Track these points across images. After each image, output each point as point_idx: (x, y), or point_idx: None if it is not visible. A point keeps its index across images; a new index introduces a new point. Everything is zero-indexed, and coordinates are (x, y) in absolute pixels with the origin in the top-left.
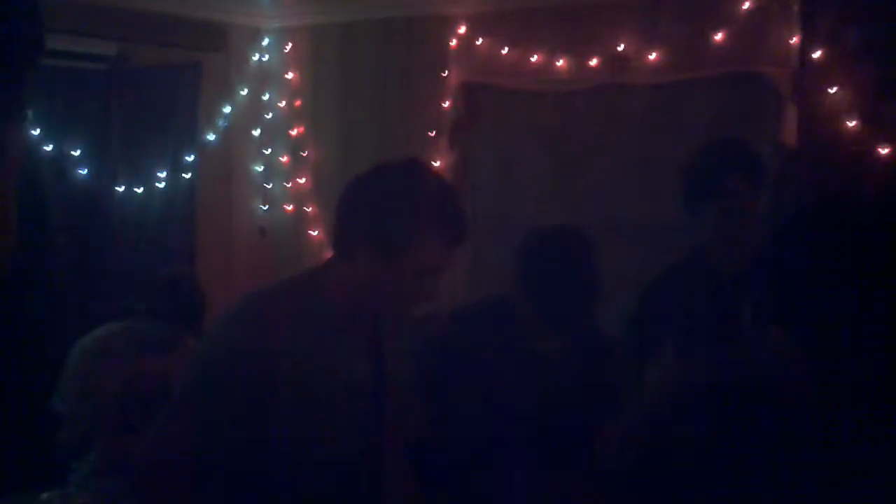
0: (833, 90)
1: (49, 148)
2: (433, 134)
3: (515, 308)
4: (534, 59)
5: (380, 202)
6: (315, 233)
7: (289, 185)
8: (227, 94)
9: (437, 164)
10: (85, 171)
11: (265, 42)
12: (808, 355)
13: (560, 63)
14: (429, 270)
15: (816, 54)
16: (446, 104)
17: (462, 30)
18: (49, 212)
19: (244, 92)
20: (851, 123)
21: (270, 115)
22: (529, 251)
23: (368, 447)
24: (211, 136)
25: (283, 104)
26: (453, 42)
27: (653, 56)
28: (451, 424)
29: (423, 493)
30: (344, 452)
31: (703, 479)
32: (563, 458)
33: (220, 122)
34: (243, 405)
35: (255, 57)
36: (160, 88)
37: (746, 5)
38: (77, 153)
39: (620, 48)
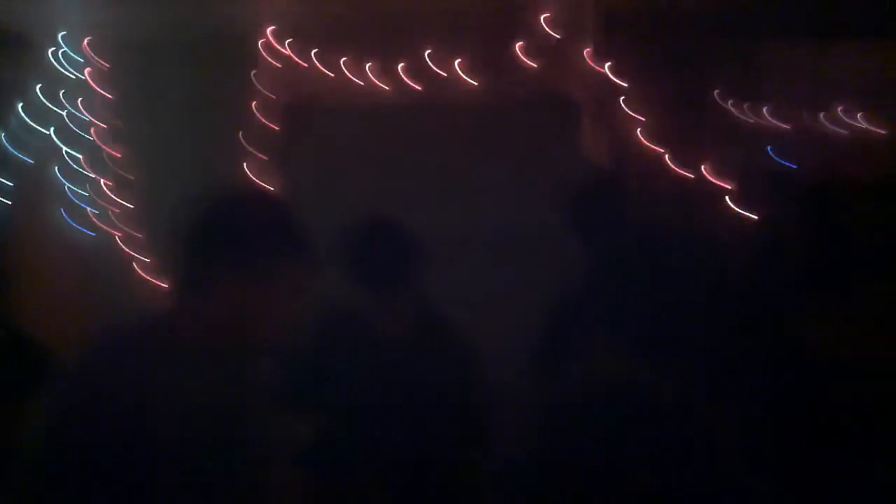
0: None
1: None
2: (259, 153)
3: (352, 303)
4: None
5: (232, 232)
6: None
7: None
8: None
9: (264, 184)
10: None
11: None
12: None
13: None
14: (292, 292)
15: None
16: (269, 124)
17: (280, 48)
18: None
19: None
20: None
21: (88, 136)
22: (348, 242)
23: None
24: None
25: (101, 124)
26: (269, 60)
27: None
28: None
29: None
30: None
31: None
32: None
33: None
34: (104, 449)
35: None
36: None
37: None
38: None
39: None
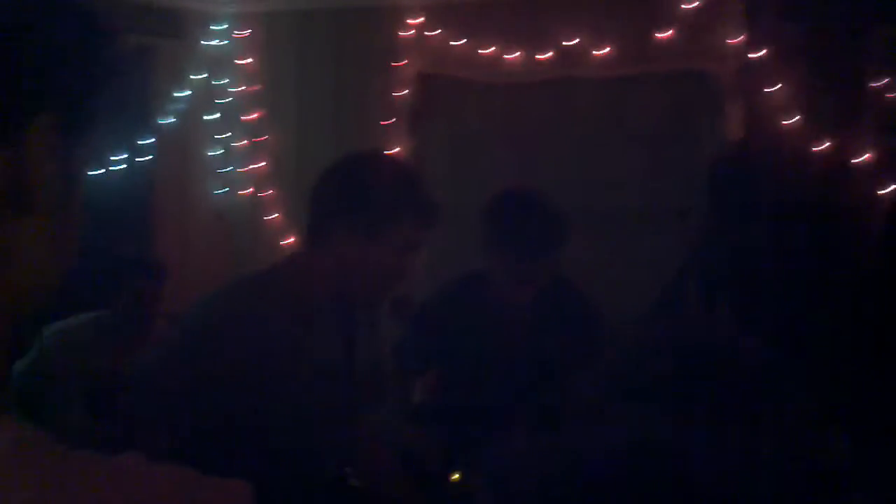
0: (774, 88)
1: None
2: (390, 122)
3: (487, 272)
4: (487, 51)
5: (356, 186)
6: (272, 216)
7: (245, 170)
8: (180, 79)
9: (395, 151)
10: None
11: (219, 27)
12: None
13: (512, 55)
14: (407, 246)
15: (759, 52)
16: (402, 93)
17: (417, 20)
18: None
19: (200, 76)
20: (792, 120)
21: (227, 99)
22: (493, 210)
23: (346, 430)
24: (167, 120)
25: (239, 89)
26: (408, 32)
27: (602, 51)
28: (449, 393)
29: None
30: (321, 438)
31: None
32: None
33: (176, 106)
34: (219, 395)
35: (209, 42)
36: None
37: (694, 4)
38: None
39: (570, 43)
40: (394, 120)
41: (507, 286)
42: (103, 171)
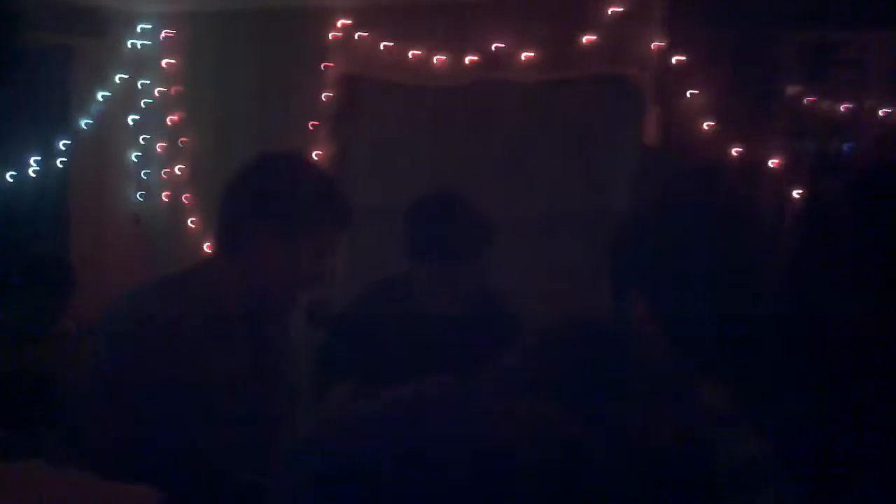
0: (691, 93)
1: None
2: (313, 125)
3: (409, 277)
4: (413, 53)
5: (270, 189)
6: (192, 221)
7: (165, 173)
8: (101, 79)
9: (316, 154)
10: None
11: (141, 27)
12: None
13: (438, 58)
14: (322, 250)
15: (676, 58)
16: (326, 96)
17: (342, 22)
18: None
19: (119, 78)
20: (708, 125)
21: (147, 101)
22: (414, 213)
23: (260, 442)
24: (85, 122)
25: (159, 91)
26: (333, 34)
27: (526, 55)
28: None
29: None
30: (233, 450)
31: None
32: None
33: (95, 108)
34: (131, 401)
35: (130, 42)
36: (30, 73)
37: (612, 9)
38: None
39: (495, 46)
40: (318, 122)
41: (429, 291)
42: (16, 172)
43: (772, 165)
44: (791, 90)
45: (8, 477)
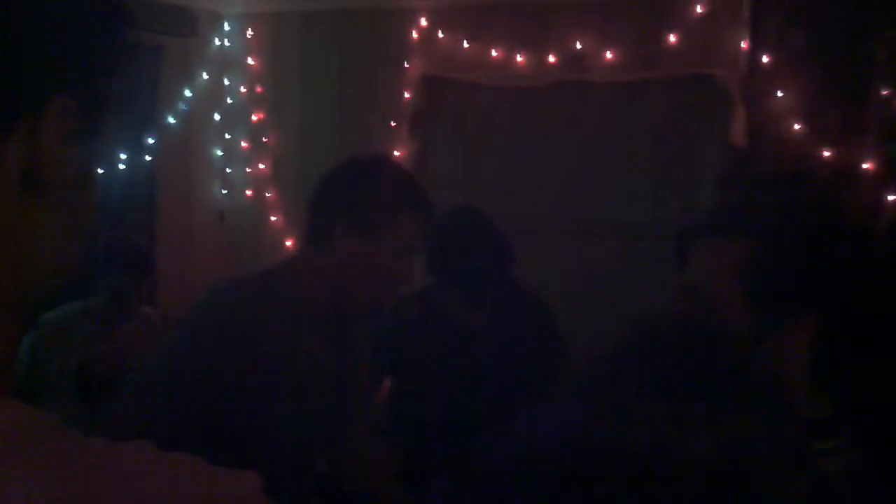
0: (780, 93)
1: None
2: (394, 124)
3: (437, 290)
4: (493, 53)
5: (355, 190)
6: (274, 218)
7: (248, 171)
8: (188, 78)
9: (397, 154)
10: None
11: (227, 27)
12: None
13: (519, 58)
14: (405, 250)
15: (764, 58)
16: (407, 96)
17: (423, 22)
18: None
19: (205, 76)
20: (797, 126)
21: (231, 100)
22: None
23: (335, 435)
24: (171, 120)
25: (244, 90)
26: (414, 34)
27: (609, 55)
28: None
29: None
30: (311, 443)
31: None
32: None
33: (181, 106)
34: (211, 393)
35: (217, 42)
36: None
37: (699, 9)
38: None
39: (578, 46)
40: (399, 122)
41: (455, 307)
42: (108, 166)
43: (864, 169)
44: (884, 91)
45: (122, 456)
